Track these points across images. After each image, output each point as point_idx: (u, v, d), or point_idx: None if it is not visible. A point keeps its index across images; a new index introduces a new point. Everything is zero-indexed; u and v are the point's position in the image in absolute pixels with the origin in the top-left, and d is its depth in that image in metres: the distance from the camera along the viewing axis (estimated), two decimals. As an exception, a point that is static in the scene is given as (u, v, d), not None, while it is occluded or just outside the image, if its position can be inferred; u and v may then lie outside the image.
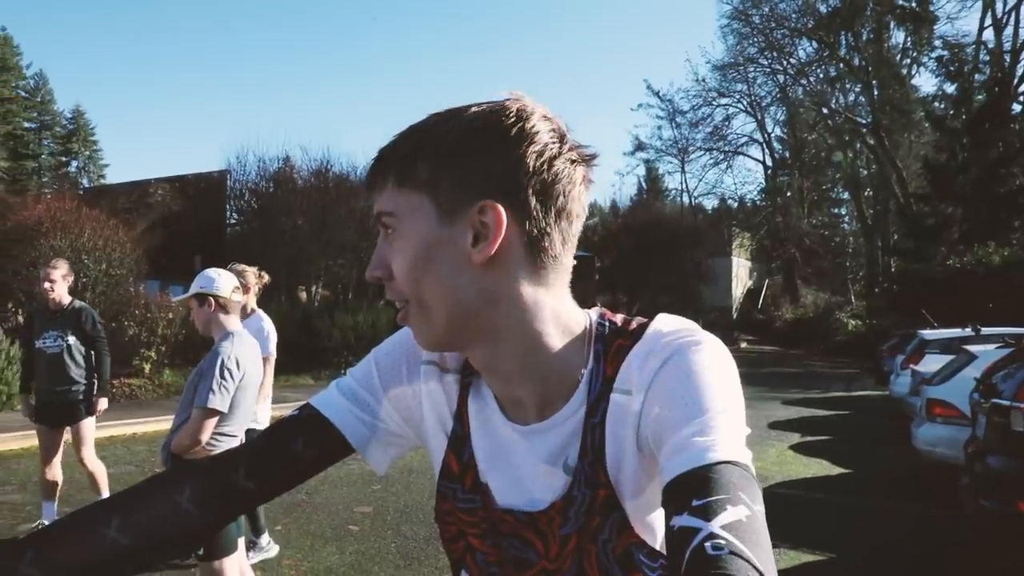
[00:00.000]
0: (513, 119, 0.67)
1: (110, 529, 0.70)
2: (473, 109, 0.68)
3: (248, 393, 2.70)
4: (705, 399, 0.63)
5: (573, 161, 0.69)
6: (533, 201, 0.67)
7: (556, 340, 0.71)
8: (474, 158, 0.66)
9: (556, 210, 0.68)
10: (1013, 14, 24.29)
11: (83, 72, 73.32)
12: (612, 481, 0.69)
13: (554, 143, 0.68)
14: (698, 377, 0.64)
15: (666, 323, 0.72)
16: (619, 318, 0.76)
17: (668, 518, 0.57)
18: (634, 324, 0.74)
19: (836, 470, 6.85)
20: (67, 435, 4.52)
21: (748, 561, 0.51)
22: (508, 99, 0.69)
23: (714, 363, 0.66)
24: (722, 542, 0.52)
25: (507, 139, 0.66)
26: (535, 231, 0.67)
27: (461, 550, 0.79)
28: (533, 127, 0.67)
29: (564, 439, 0.72)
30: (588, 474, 0.71)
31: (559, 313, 0.72)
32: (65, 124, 42.62)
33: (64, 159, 42.55)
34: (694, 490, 0.56)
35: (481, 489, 0.77)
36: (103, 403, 4.58)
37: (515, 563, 0.75)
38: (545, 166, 0.67)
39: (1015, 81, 23.11)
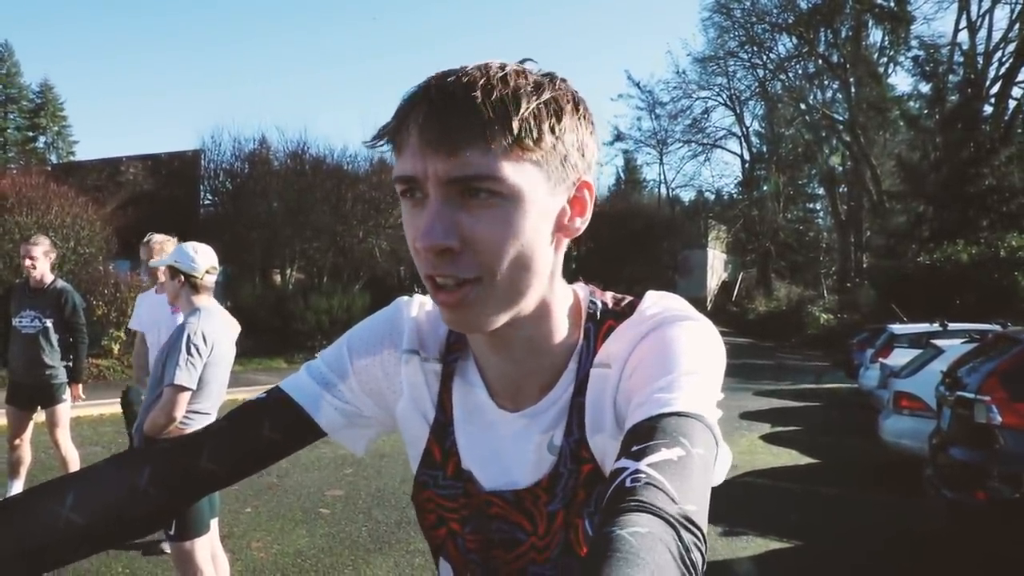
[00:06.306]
0: (581, 97, 0.66)
1: (63, 507, 0.67)
2: (546, 76, 0.64)
3: (220, 369, 2.67)
4: (674, 362, 0.63)
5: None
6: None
7: (564, 319, 0.72)
8: (578, 132, 0.65)
9: None
10: (987, 17, 24.66)
11: (52, 46, 71.35)
12: (595, 454, 0.69)
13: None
14: (673, 345, 0.65)
15: (655, 302, 0.72)
16: (608, 297, 0.76)
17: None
18: (624, 304, 0.75)
19: (805, 460, 6.98)
20: (39, 415, 4.41)
21: (663, 490, 0.50)
22: (553, 73, 0.66)
23: (694, 336, 0.66)
24: (642, 475, 0.51)
25: (590, 119, 0.66)
26: None
27: (442, 537, 0.79)
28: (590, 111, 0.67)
29: (552, 419, 0.72)
30: (573, 450, 0.71)
31: (565, 291, 0.73)
32: (32, 98, 41.37)
33: (31, 134, 41.35)
34: (638, 437, 0.56)
35: (464, 476, 0.76)
36: (79, 390, 4.47)
37: (503, 544, 0.75)
38: (598, 152, 0.69)
39: (987, 83, 23.48)
